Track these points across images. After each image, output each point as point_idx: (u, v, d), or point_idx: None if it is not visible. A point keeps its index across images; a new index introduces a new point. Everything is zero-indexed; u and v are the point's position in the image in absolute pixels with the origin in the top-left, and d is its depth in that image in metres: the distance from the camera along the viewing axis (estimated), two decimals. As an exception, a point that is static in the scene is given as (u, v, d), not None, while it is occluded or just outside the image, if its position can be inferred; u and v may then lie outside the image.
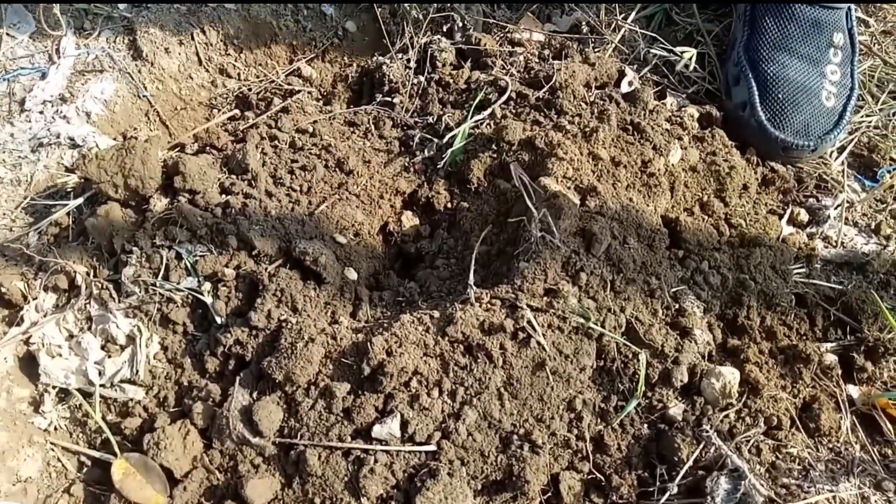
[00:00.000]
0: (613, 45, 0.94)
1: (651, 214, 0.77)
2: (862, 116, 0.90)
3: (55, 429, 0.70)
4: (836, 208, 0.81)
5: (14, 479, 0.65)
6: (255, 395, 0.66)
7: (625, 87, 0.88)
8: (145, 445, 0.65)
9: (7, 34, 0.97)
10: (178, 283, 0.73)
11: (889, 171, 0.84)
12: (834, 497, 0.61)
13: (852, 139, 0.88)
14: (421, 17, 0.98)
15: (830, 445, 0.65)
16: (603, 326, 0.67)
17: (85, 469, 0.69)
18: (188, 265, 0.74)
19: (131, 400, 0.72)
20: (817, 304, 0.73)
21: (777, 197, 0.84)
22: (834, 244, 0.80)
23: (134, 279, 0.74)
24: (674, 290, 0.72)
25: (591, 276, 0.69)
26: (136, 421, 0.70)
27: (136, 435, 0.69)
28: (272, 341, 0.69)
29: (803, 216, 0.82)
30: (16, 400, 0.71)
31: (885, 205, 0.83)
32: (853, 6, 0.89)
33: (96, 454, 0.69)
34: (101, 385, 0.72)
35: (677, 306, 0.71)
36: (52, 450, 0.69)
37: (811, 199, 0.83)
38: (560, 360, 0.66)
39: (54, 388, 0.72)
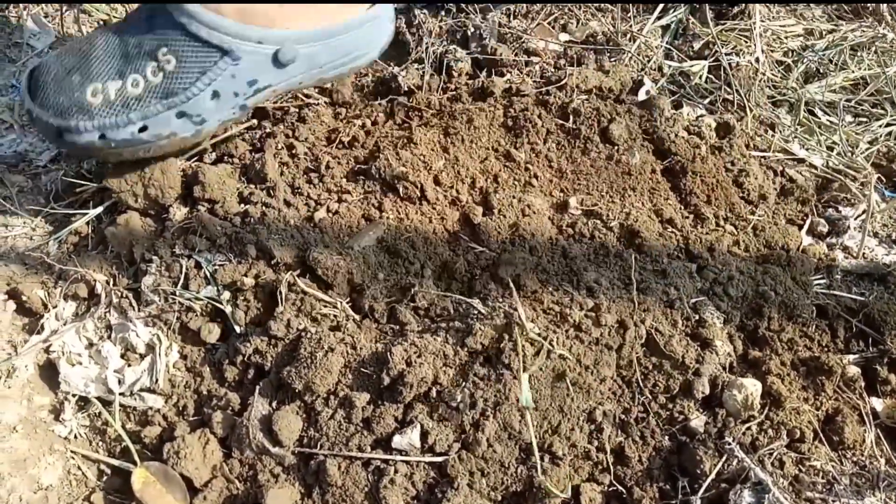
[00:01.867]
0: (630, 55, 0.94)
1: (666, 224, 0.77)
2: (882, 126, 0.89)
3: (75, 437, 0.71)
4: (856, 219, 0.81)
5: (35, 487, 0.65)
6: (274, 404, 0.66)
7: (641, 96, 0.88)
8: (165, 454, 0.65)
9: (27, 44, 0.98)
10: (198, 292, 0.73)
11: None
12: (859, 511, 0.60)
13: (872, 150, 0.88)
14: (437, 27, 0.99)
15: (855, 459, 0.64)
16: (624, 338, 0.66)
17: (105, 477, 0.69)
18: (207, 274, 0.74)
19: (151, 409, 0.72)
20: (839, 316, 0.73)
21: (796, 207, 0.83)
22: (854, 255, 0.79)
23: (153, 288, 0.74)
24: (693, 300, 0.71)
25: (613, 287, 0.69)
26: (156, 430, 0.70)
27: (155, 444, 0.69)
28: (291, 350, 0.69)
29: (823, 227, 0.81)
30: (36, 408, 0.71)
31: (905, 215, 0.83)
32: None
33: (116, 463, 0.68)
34: (120, 394, 0.72)
35: (697, 317, 0.70)
36: (73, 458, 0.69)
37: (830, 210, 0.83)
38: (580, 371, 0.66)
39: (74, 396, 0.72)
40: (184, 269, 0.74)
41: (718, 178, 0.81)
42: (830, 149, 0.88)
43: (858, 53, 0.95)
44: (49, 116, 0.71)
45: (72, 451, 0.69)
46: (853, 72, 0.93)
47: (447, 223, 0.78)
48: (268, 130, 0.92)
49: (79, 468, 0.69)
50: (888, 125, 0.90)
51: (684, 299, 0.71)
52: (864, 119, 0.91)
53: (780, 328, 0.71)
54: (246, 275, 0.74)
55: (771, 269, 0.74)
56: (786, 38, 0.96)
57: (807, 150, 0.88)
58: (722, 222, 0.79)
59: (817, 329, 0.72)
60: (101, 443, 0.71)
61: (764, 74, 0.92)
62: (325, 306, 0.71)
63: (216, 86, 0.73)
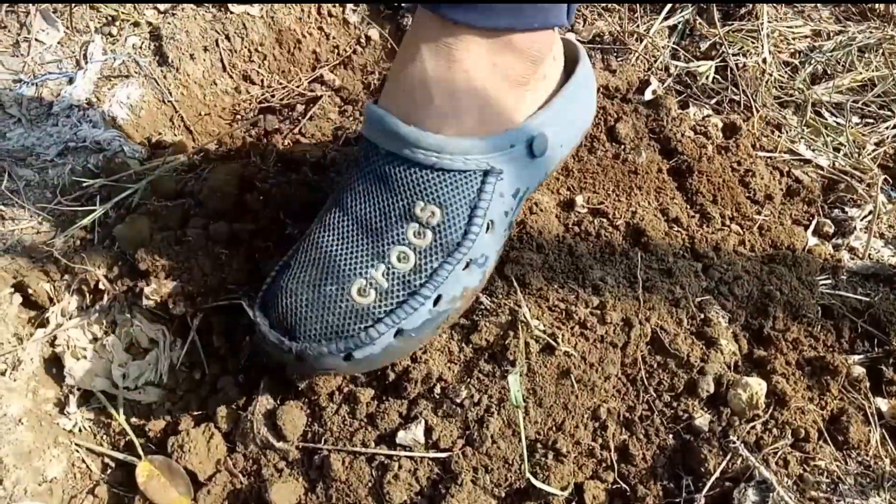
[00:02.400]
0: (636, 55, 0.94)
1: (672, 223, 0.77)
2: (889, 128, 0.89)
3: (80, 430, 0.71)
4: (862, 219, 0.81)
5: (40, 479, 0.65)
6: (279, 398, 0.66)
7: (648, 95, 0.88)
8: (169, 448, 0.66)
9: (36, 40, 0.99)
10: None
11: (914, 184, 0.83)
12: (863, 511, 0.60)
13: (879, 151, 0.88)
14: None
15: (859, 459, 0.64)
16: (629, 335, 0.66)
17: (109, 470, 0.69)
18: (213, 269, 0.74)
19: (155, 403, 0.72)
20: (844, 316, 0.73)
21: (802, 208, 0.83)
22: (860, 256, 0.79)
23: (156, 291, 0.74)
24: (699, 299, 0.71)
25: (618, 286, 0.69)
26: (160, 424, 0.70)
27: (159, 437, 0.70)
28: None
29: (829, 227, 0.81)
30: (42, 401, 0.71)
31: (911, 216, 0.83)
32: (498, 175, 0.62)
33: (120, 456, 0.69)
34: (125, 388, 0.72)
35: (702, 316, 0.70)
36: (77, 451, 0.69)
37: (836, 210, 0.83)
38: (585, 369, 0.66)
39: (79, 389, 0.73)
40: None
41: (725, 178, 0.80)
42: (837, 150, 0.88)
43: (866, 55, 0.94)
44: (324, 344, 0.57)
45: (76, 444, 0.69)
46: (861, 73, 0.93)
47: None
48: (275, 126, 0.93)
49: (83, 461, 0.69)
50: (895, 127, 0.90)
51: (690, 298, 0.71)
52: (871, 120, 0.91)
53: (786, 328, 0.71)
54: (251, 270, 0.74)
55: (776, 269, 0.74)
56: (793, 39, 0.96)
57: (813, 150, 0.88)
58: (728, 222, 0.78)
59: (822, 329, 0.71)
60: (105, 436, 0.71)
61: (771, 75, 0.92)
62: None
63: (491, 215, 0.60)
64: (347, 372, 0.62)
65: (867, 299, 0.74)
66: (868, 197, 0.82)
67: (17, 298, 0.76)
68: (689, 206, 0.80)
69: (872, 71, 0.93)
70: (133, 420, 0.71)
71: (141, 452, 0.67)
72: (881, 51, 0.94)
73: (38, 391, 0.71)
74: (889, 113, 0.91)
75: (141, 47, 0.99)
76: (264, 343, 0.59)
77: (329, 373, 0.62)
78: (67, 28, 1.00)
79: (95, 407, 0.72)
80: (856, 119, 0.92)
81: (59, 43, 0.99)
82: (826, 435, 0.65)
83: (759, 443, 0.64)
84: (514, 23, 0.56)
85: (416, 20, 0.60)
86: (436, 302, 0.59)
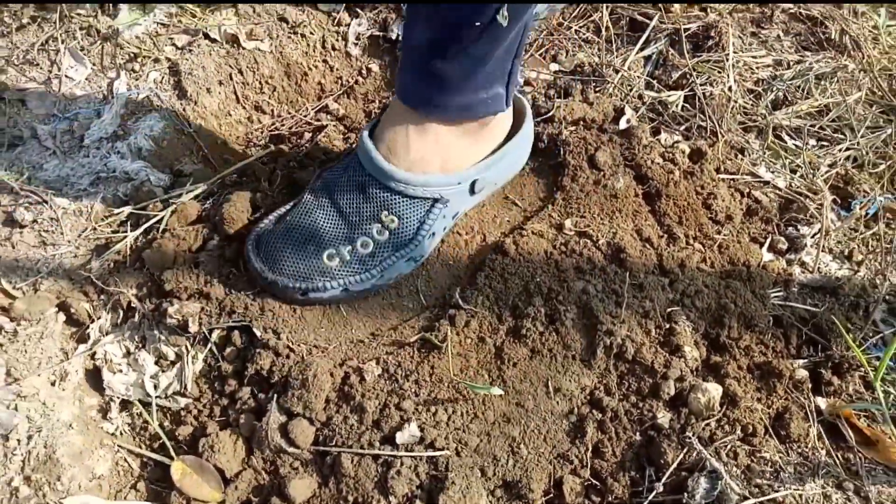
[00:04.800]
0: (613, 85, 1.03)
1: (645, 243, 0.86)
2: (841, 150, 0.98)
3: (121, 433, 0.81)
4: (812, 237, 0.90)
5: (90, 476, 0.75)
6: (287, 413, 0.76)
7: (622, 124, 0.97)
8: (200, 448, 0.75)
9: (66, 76, 1.08)
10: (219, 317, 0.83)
11: (860, 203, 0.92)
12: (800, 495, 0.69)
13: (831, 172, 0.97)
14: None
15: (799, 451, 0.74)
16: (602, 344, 0.76)
17: (148, 469, 0.79)
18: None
19: (183, 410, 0.82)
20: (792, 325, 0.82)
21: (760, 226, 0.93)
22: (810, 270, 0.89)
23: (178, 311, 0.84)
24: (666, 311, 0.81)
25: (594, 299, 0.78)
26: (188, 428, 0.80)
27: (188, 440, 0.79)
28: (299, 364, 0.78)
29: (783, 244, 0.90)
30: (87, 408, 0.81)
31: (857, 233, 0.92)
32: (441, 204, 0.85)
33: (156, 457, 0.79)
34: (157, 397, 0.82)
35: (668, 326, 0.80)
36: (119, 451, 0.79)
37: (791, 228, 0.92)
38: (563, 380, 0.75)
39: (118, 398, 0.82)
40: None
41: (689, 201, 0.90)
42: (794, 171, 0.97)
43: (822, 82, 1.03)
44: (292, 281, 0.81)
45: (119, 446, 0.79)
46: (818, 100, 1.02)
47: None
48: (284, 153, 1.02)
49: (125, 460, 0.79)
50: (847, 149, 0.99)
51: (657, 310, 0.80)
52: (827, 143, 1.00)
53: (739, 336, 0.80)
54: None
55: (732, 284, 0.83)
56: (757, 68, 1.05)
57: (772, 172, 0.97)
58: (691, 241, 0.88)
59: (773, 337, 0.81)
60: (142, 439, 0.81)
61: (736, 102, 1.01)
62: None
63: (433, 228, 0.84)
64: (298, 304, 0.84)
65: (814, 309, 0.83)
66: (819, 216, 0.91)
67: (62, 317, 0.86)
68: (658, 227, 0.89)
69: (828, 97, 1.02)
70: (165, 425, 0.81)
71: (173, 454, 0.77)
72: (836, 79, 1.03)
73: (83, 399, 0.81)
74: (842, 136, 1.00)
75: (161, 82, 1.08)
76: (250, 266, 0.82)
77: (285, 300, 0.83)
78: (94, 65, 1.09)
79: (133, 413, 0.82)
80: (812, 141, 1.01)
81: (86, 79, 1.08)
82: (771, 430, 0.75)
83: (712, 438, 0.74)
84: (468, 116, 0.80)
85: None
86: (378, 279, 0.83)
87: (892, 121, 1.01)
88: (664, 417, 0.75)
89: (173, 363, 0.84)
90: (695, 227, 0.89)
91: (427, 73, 0.75)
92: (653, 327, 0.79)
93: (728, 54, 1.04)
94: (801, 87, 1.03)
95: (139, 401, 0.82)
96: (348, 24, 1.14)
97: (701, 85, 1.01)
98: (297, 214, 0.84)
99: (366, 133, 0.84)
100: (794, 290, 0.86)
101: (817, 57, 1.05)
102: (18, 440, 0.74)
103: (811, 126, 1.01)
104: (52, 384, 0.80)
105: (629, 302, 0.79)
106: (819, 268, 0.89)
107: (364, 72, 1.13)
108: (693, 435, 0.73)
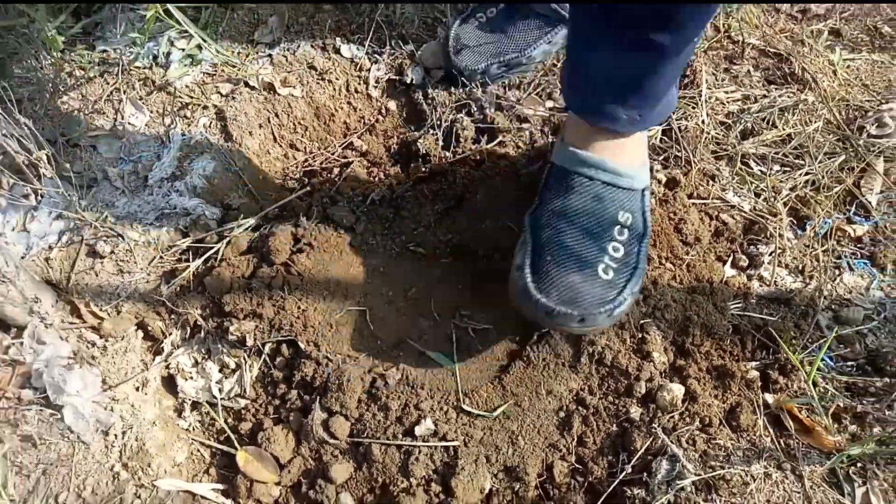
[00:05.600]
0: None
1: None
2: (801, 175, 1.13)
3: (193, 429, 0.99)
4: (770, 255, 1.05)
5: (172, 464, 0.93)
6: (328, 411, 0.93)
7: (608, 158, 1.13)
8: (259, 440, 0.93)
9: (128, 123, 1.26)
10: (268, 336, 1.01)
11: (812, 225, 1.07)
12: (746, 473, 0.85)
13: (792, 195, 1.11)
14: (448, 99, 1.24)
15: (748, 438, 0.89)
16: (586, 352, 0.92)
17: (216, 457, 0.97)
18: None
19: (243, 409, 1.00)
20: (748, 332, 0.97)
21: (725, 245, 1.08)
22: (767, 283, 1.04)
23: (238, 331, 1.02)
24: (640, 322, 0.97)
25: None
26: (248, 424, 0.98)
27: (248, 434, 0.97)
28: (336, 371, 0.95)
29: (744, 261, 1.05)
30: (165, 408, 1.00)
31: (810, 249, 1.06)
32: (648, 190, 0.97)
33: (223, 447, 0.97)
34: (221, 398, 1.00)
35: (640, 335, 0.96)
36: (193, 443, 0.97)
37: (752, 247, 1.07)
38: (554, 383, 0.92)
39: (189, 400, 1.01)
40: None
41: (662, 226, 1.05)
42: (758, 195, 1.12)
43: (785, 114, 1.17)
44: (600, 309, 0.84)
45: (192, 439, 0.98)
46: (781, 130, 1.16)
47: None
48: (317, 188, 1.19)
49: (198, 451, 0.97)
50: (807, 174, 1.13)
51: (632, 322, 0.96)
52: (789, 168, 1.14)
53: (701, 343, 0.96)
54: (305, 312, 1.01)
55: (697, 298, 0.99)
56: (727, 102, 1.19)
57: (739, 196, 1.11)
58: (664, 261, 1.03)
59: (730, 342, 0.96)
60: (210, 433, 0.99)
61: (708, 133, 1.16)
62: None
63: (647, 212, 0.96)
64: (606, 325, 0.87)
65: (768, 318, 0.99)
66: (777, 235, 1.06)
67: (140, 333, 1.05)
68: (635, 249, 1.05)
69: (790, 127, 1.16)
70: (229, 421, 0.99)
71: (237, 445, 0.95)
72: (797, 110, 1.17)
73: (161, 401, 1.00)
74: (802, 162, 1.14)
75: (210, 126, 1.25)
76: (550, 317, 0.84)
77: (597, 328, 0.87)
78: (152, 112, 1.27)
79: (202, 412, 1.00)
80: (776, 167, 1.15)
81: (146, 125, 1.26)
82: (725, 422, 0.91)
83: (674, 428, 0.90)
84: (659, 121, 0.97)
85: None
86: (643, 270, 0.91)
87: (846, 148, 1.15)
88: (636, 412, 0.91)
89: (234, 371, 1.02)
90: (667, 249, 1.04)
91: (643, 96, 0.85)
92: (628, 337, 0.95)
93: (701, 91, 1.18)
94: (766, 118, 1.17)
95: (207, 402, 1.01)
96: (369, 70, 1.30)
97: (677, 120, 1.16)
98: (550, 250, 0.88)
99: (584, 153, 0.93)
100: (752, 301, 1.01)
101: (781, 91, 1.18)
102: (115, 435, 0.93)
103: (775, 153, 1.15)
104: (137, 389, 0.99)
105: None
106: (775, 281, 1.04)
107: (383, 111, 1.30)
108: (658, 426, 0.89)
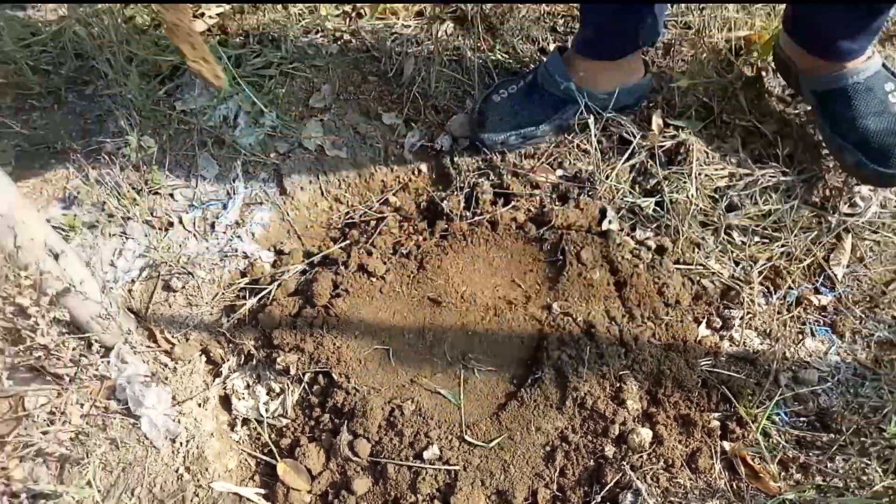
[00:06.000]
0: (604, 187, 1.36)
1: (611, 321, 1.19)
2: (778, 247, 1.28)
3: (242, 441, 1.20)
4: (741, 318, 1.20)
5: (224, 469, 1.14)
6: (353, 434, 1.13)
7: (605, 225, 1.30)
8: (296, 454, 1.13)
9: (200, 175, 1.49)
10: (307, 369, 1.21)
11: (783, 294, 1.22)
12: (699, 510, 1.01)
13: (767, 265, 1.26)
14: (470, 166, 1.43)
15: (704, 479, 1.05)
16: (570, 396, 1.10)
17: (260, 466, 1.17)
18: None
19: (285, 427, 1.20)
20: (714, 386, 1.13)
21: (703, 307, 1.24)
22: (737, 344, 1.19)
23: (283, 362, 1.22)
24: (620, 373, 1.14)
25: (566, 364, 1.12)
26: (288, 440, 1.18)
27: (287, 448, 1.17)
28: (361, 400, 1.15)
29: (717, 323, 1.21)
30: (221, 423, 1.21)
31: (778, 315, 1.21)
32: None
33: (266, 458, 1.17)
34: (267, 417, 1.21)
35: (618, 385, 1.12)
36: (242, 453, 1.18)
37: (726, 310, 1.23)
38: (542, 421, 1.10)
39: (241, 417, 1.22)
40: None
41: (647, 289, 1.22)
42: (737, 263, 1.27)
43: (767, 191, 1.33)
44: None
45: (242, 450, 1.18)
46: (763, 206, 1.31)
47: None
48: (355, 239, 1.39)
49: (246, 460, 1.18)
50: (783, 246, 1.28)
51: (612, 372, 1.13)
52: (767, 240, 1.30)
53: (671, 394, 1.12)
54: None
55: (671, 355, 1.15)
56: (715, 178, 1.35)
57: (720, 264, 1.27)
58: (646, 320, 1.20)
59: (698, 394, 1.12)
60: (256, 445, 1.20)
61: (697, 206, 1.32)
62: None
63: None
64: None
65: (735, 375, 1.14)
66: (749, 301, 1.22)
67: (203, 358, 1.26)
68: (622, 309, 1.22)
69: (771, 204, 1.31)
70: (272, 437, 1.20)
71: (277, 457, 1.15)
72: (779, 189, 1.32)
73: (218, 417, 1.21)
74: (780, 235, 1.29)
75: (267, 180, 1.47)
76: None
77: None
78: (220, 166, 1.49)
79: (251, 428, 1.21)
80: (757, 238, 1.30)
81: (215, 177, 1.49)
82: (686, 464, 1.07)
83: (641, 466, 1.06)
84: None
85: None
86: None
87: (820, 223, 1.29)
88: (610, 450, 1.08)
89: (278, 395, 1.22)
90: (650, 309, 1.21)
91: None
92: (608, 385, 1.12)
93: (692, 167, 1.35)
94: (750, 195, 1.33)
95: (255, 419, 1.21)
96: (405, 136, 1.51)
97: (669, 192, 1.33)
98: None
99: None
100: (721, 359, 1.17)
101: (763, 171, 1.34)
102: (181, 443, 1.14)
103: (756, 226, 1.30)
104: (199, 406, 1.20)
105: (591, 366, 1.13)
106: (744, 342, 1.19)
107: (416, 172, 1.50)
108: (628, 464, 1.06)
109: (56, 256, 0.99)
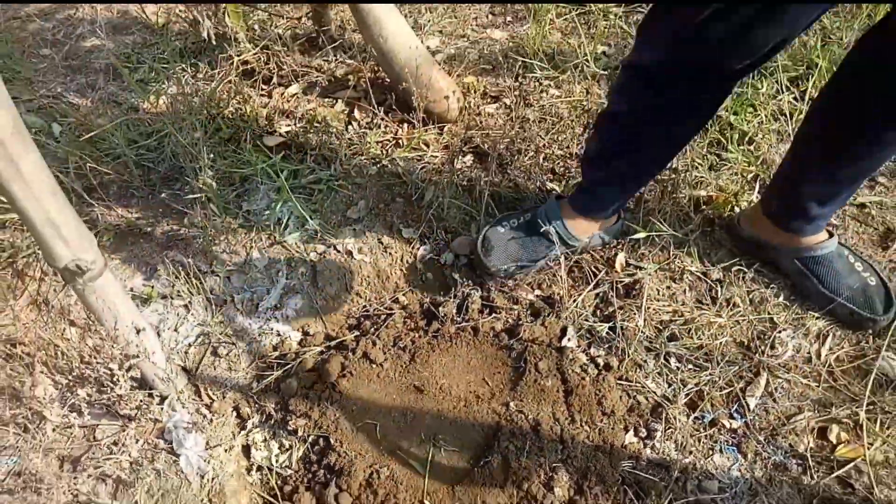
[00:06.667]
0: (569, 310, 1.67)
1: (555, 421, 1.48)
2: (706, 374, 1.55)
3: (255, 484, 1.52)
4: (663, 431, 1.47)
5: (238, 505, 1.46)
6: (339, 489, 1.44)
7: (564, 342, 1.60)
8: (294, 500, 1.44)
9: (253, 264, 1.87)
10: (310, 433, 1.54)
11: (701, 416, 1.49)
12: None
13: (694, 389, 1.54)
14: (466, 280, 1.77)
15: (608, 559, 1.31)
16: (510, 481, 1.39)
17: (266, 505, 1.49)
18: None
19: (289, 476, 1.52)
20: (631, 484, 1.40)
21: (635, 419, 1.51)
22: (657, 452, 1.46)
23: (293, 427, 1.55)
24: (553, 465, 1.42)
25: (511, 453, 1.41)
26: (289, 487, 1.49)
27: (288, 494, 1.48)
28: (349, 462, 1.46)
29: (643, 433, 1.48)
30: (241, 467, 1.53)
31: (697, 431, 1.48)
32: None
33: (272, 500, 1.49)
34: (276, 466, 1.53)
35: (552, 475, 1.40)
36: (254, 494, 1.50)
37: (653, 423, 1.50)
38: (488, 497, 1.38)
39: (256, 464, 1.54)
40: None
41: (589, 399, 1.50)
42: (670, 384, 1.55)
43: (702, 328, 1.61)
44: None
45: (254, 491, 1.50)
46: (697, 340, 1.60)
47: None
48: (366, 329, 1.73)
49: (255, 499, 1.50)
50: (709, 374, 1.55)
51: (548, 463, 1.41)
52: (697, 369, 1.57)
53: (593, 487, 1.39)
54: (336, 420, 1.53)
55: (598, 455, 1.43)
56: (662, 312, 1.64)
57: (655, 384, 1.55)
58: (583, 424, 1.48)
59: (616, 490, 1.39)
60: (266, 488, 1.52)
61: (643, 333, 1.61)
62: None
63: None
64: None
65: (650, 477, 1.40)
66: (673, 418, 1.49)
67: (234, 413, 1.60)
68: (566, 413, 1.50)
69: (705, 340, 1.59)
70: (278, 483, 1.51)
71: (280, 500, 1.47)
72: (711, 328, 1.60)
73: (239, 462, 1.54)
74: (708, 365, 1.56)
75: (305, 274, 1.84)
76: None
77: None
78: (270, 258, 1.87)
79: (263, 473, 1.53)
80: (689, 366, 1.58)
81: (264, 267, 1.86)
82: (595, 545, 1.33)
83: (559, 543, 1.33)
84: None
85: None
86: None
87: (745, 359, 1.57)
88: (537, 527, 1.35)
89: (287, 450, 1.55)
90: (588, 415, 1.49)
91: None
92: (542, 474, 1.40)
93: (643, 302, 1.64)
94: (689, 330, 1.61)
95: (267, 467, 1.53)
96: (418, 248, 1.86)
97: (621, 320, 1.62)
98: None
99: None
100: (642, 462, 1.44)
101: (702, 311, 1.62)
102: (208, 479, 1.47)
103: (690, 356, 1.58)
104: (226, 451, 1.54)
105: (531, 457, 1.41)
106: (663, 451, 1.46)
107: (424, 278, 1.84)
108: (548, 539, 1.33)
109: (138, 331, 1.36)
